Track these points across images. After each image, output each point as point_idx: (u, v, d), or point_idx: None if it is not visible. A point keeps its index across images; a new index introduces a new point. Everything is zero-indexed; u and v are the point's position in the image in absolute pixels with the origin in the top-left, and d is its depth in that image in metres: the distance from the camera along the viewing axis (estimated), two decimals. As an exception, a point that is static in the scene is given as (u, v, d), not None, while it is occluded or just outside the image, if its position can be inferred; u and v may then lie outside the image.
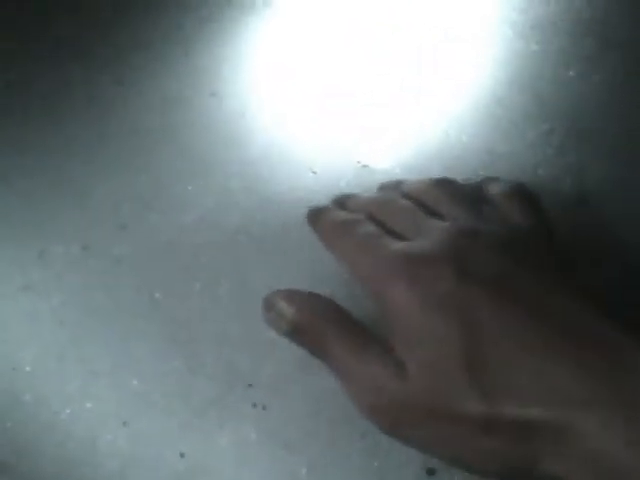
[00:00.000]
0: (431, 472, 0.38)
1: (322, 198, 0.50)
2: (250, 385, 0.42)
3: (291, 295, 0.36)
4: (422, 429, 0.29)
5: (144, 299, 0.46)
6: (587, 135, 0.52)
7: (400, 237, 0.36)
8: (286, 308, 0.35)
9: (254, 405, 0.41)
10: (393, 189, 0.45)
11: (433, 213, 0.38)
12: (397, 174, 0.52)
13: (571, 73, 0.54)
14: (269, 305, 0.36)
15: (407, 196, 0.41)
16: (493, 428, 0.27)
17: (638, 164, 0.50)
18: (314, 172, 0.52)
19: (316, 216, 0.45)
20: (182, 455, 0.40)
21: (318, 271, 0.46)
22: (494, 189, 0.42)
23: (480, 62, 0.56)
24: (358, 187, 0.51)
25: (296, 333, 0.35)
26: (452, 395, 0.28)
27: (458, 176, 0.47)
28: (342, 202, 0.46)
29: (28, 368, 0.45)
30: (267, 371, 0.43)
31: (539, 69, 0.55)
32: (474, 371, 0.27)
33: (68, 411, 0.43)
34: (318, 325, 0.34)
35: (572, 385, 0.26)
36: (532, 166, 0.51)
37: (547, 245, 0.37)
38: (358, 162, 0.52)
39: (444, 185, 0.41)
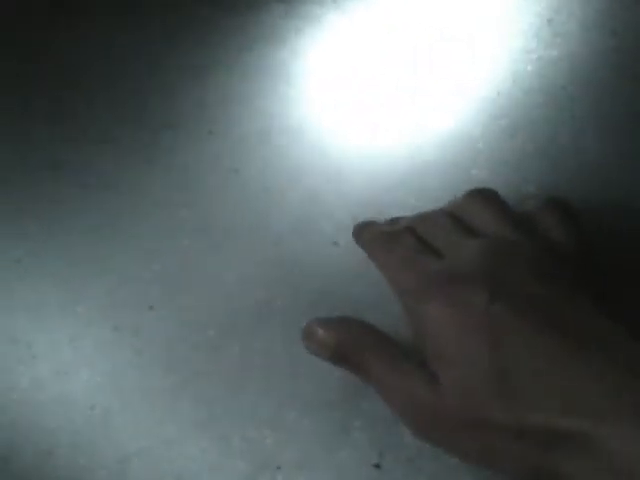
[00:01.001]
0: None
1: (344, 269, 0.51)
2: (279, 467, 0.42)
3: (328, 322, 0.40)
4: (456, 438, 0.32)
5: (173, 379, 0.47)
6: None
7: (439, 253, 0.38)
8: (325, 336, 0.38)
9: (283, 488, 0.41)
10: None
11: (473, 229, 0.40)
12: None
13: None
14: (309, 334, 0.40)
15: (449, 213, 0.42)
16: (522, 436, 0.29)
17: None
18: (336, 243, 0.53)
19: (361, 229, 0.48)
20: (213, 541, 0.41)
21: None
22: (536, 204, 0.42)
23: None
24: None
25: (338, 358, 0.38)
26: (483, 407, 0.30)
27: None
28: (388, 222, 0.48)
29: (61, 452, 0.46)
30: (294, 452, 0.43)
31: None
32: (504, 386, 0.29)
33: (101, 496, 0.44)
34: (357, 348, 0.37)
35: (596, 398, 0.27)
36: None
37: (585, 262, 0.37)
38: (379, 232, 0.53)
39: (486, 200, 0.42)
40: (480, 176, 0.52)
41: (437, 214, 0.42)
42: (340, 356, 0.37)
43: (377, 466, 0.41)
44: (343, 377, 0.45)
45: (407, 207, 0.54)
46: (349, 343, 0.37)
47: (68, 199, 0.58)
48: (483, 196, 0.43)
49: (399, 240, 0.40)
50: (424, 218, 0.42)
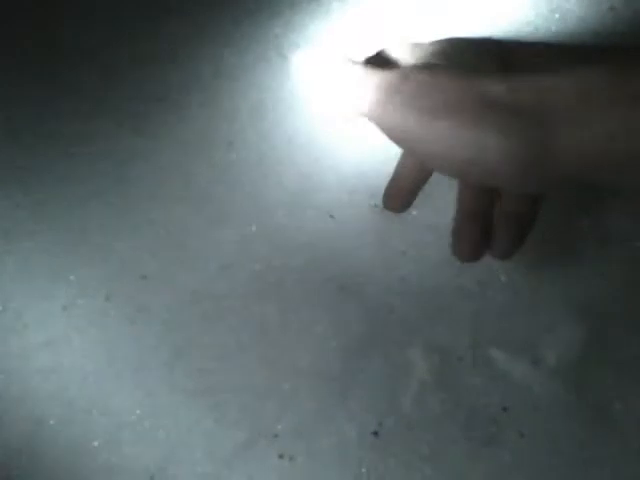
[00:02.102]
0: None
1: (338, 242, 0.51)
2: (276, 435, 0.42)
3: None
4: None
5: (167, 349, 0.47)
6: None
7: None
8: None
9: (280, 456, 0.41)
10: None
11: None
12: (414, 216, 0.52)
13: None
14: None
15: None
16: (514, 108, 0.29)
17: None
18: (332, 216, 0.53)
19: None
20: (210, 508, 0.40)
21: (340, 314, 0.47)
22: None
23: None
24: (374, 231, 0.52)
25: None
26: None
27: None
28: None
29: (53, 422, 0.45)
30: (292, 421, 0.43)
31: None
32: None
33: (94, 466, 0.43)
34: None
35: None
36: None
37: None
38: (374, 205, 0.53)
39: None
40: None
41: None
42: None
43: (375, 434, 0.41)
44: (341, 347, 0.45)
45: (403, 180, 0.54)
46: None
47: (57, 169, 0.57)
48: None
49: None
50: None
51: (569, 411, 0.43)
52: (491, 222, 0.40)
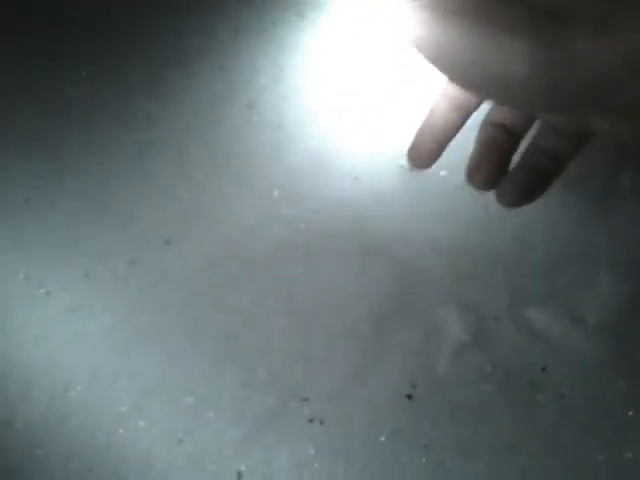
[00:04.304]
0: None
1: (365, 204, 0.50)
2: (305, 399, 0.41)
3: None
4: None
5: (192, 314, 0.45)
6: None
7: None
8: None
9: (311, 420, 0.40)
10: None
11: None
12: (442, 176, 0.50)
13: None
14: None
15: None
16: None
17: None
18: (357, 179, 0.51)
19: None
20: (240, 474, 0.39)
21: (371, 276, 0.45)
22: None
23: None
24: (403, 192, 0.50)
25: None
26: None
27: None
28: None
29: (79, 389, 0.44)
30: (321, 384, 0.41)
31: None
32: None
33: (121, 431, 0.42)
34: None
35: None
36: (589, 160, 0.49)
37: None
38: (401, 166, 0.51)
39: None
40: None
41: None
42: None
43: (409, 397, 0.40)
44: (372, 309, 0.43)
45: (431, 139, 0.52)
46: None
47: (76, 137, 0.56)
48: None
49: None
50: None
51: (611, 370, 0.42)
52: (509, 158, 0.38)
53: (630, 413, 0.40)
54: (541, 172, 0.38)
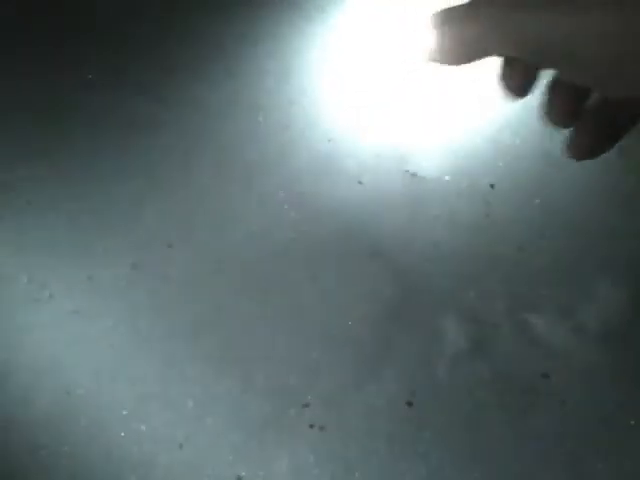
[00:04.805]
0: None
1: (368, 208, 0.49)
2: (305, 405, 0.41)
3: None
4: None
5: (193, 318, 0.46)
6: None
7: None
8: None
9: (311, 426, 0.40)
10: None
11: None
12: (446, 181, 0.50)
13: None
14: None
15: None
16: None
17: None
18: (361, 182, 0.51)
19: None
20: (239, 479, 0.39)
21: (371, 280, 0.45)
22: None
23: None
24: (406, 197, 0.50)
25: None
26: None
27: (511, 181, 0.45)
28: None
29: (81, 391, 0.44)
30: (321, 390, 0.41)
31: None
32: None
33: (123, 434, 0.42)
34: None
35: None
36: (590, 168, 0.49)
37: None
38: (407, 171, 0.51)
39: None
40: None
41: None
42: None
43: (409, 404, 0.40)
44: (372, 314, 0.43)
45: (435, 143, 0.52)
46: None
47: (80, 140, 0.56)
48: None
49: None
50: None
51: (612, 378, 0.41)
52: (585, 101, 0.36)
53: (631, 422, 0.40)
54: (614, 124, 0.36)
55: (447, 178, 0.50)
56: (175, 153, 0.54)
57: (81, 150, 0.55)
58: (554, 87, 0.36)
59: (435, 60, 0.36)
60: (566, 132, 0.50)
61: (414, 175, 0.51)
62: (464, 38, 0.33)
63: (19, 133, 0.57)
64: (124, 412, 0.43)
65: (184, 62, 0.60)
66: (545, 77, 0.34)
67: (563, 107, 0.36)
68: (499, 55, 0.31)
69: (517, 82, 0.35)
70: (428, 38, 0.36)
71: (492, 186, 0.49)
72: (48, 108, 0.57)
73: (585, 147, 0.36)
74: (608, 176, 0.49)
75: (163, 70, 0.59)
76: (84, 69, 0.60)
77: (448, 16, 0.34)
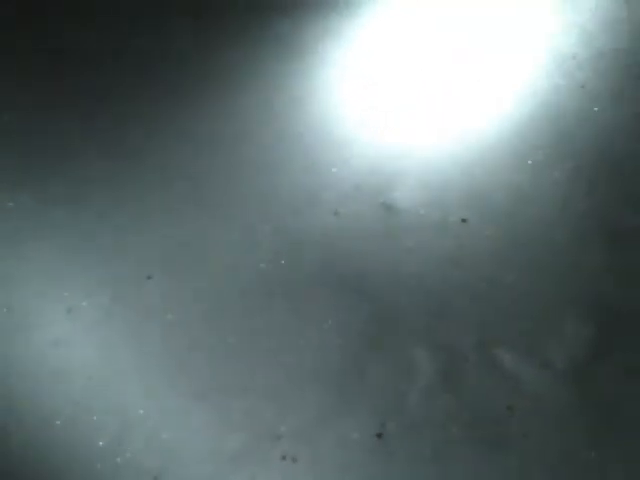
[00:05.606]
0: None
1: (346, 239, 0.51)
2: (279, 437, 0.42)
3: None
4: None
5: (171, 350, 0.46)
6: (614, 171, 0.51)
7: None
8: None
9: (283, 458, 0.41)
10: None
11: None
12: (420, 214, 0.51)
13: (595, 109, 0.54)
14: None
15: None
16: None
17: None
18: (337, 213, 0.52)
19: None
20: (213, 510, 0.40)
21: (345, 312, 0.46)
22: None
23: (503, 98, 0.56)
24: (381, 228, 0.51)
25: None
26: None
27: (483, 215, 0.47)
28: None
29: (58, 422, 0.45)
30: (295, 422, 0.42)
31: (564, 105, 0.54)
32: None
33: (99, 466, 0.43)
34: None
35: None
36: (559, 203, 0.50)
37: None
38: (382, 203, 0.52)
39: None
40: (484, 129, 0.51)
41: None
42: None
43: (379, 435, 0.41)
44: (345, 345, 0.44)
45: (411, 176, 0.53)
46: None
47: (62, 169, 0.57)
48: None
49: None
50: None
51: (575, 412, 0.42)
52: None
53: (592, 454, 0.41)
54: None
55: (422, 211, 0.52)
56: (155, 185, 0.55)
57: (62, 179, 0.56)
58: None
59: None
60: (536, 168, 0.52)
61: (389, 208, 0.52)
62: None
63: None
64: (100, 443, 0.44)
65: (170, 90, 0.61)
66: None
67: None
68: None
69: None
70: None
71: (464, 220, 0.50)
72: (29, 136, 0.58)
73: None
74: (577, 211, 0.50)
75: (150, 100, 0.61)
76: (65, 97, 0.61)
77: None
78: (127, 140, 0.58)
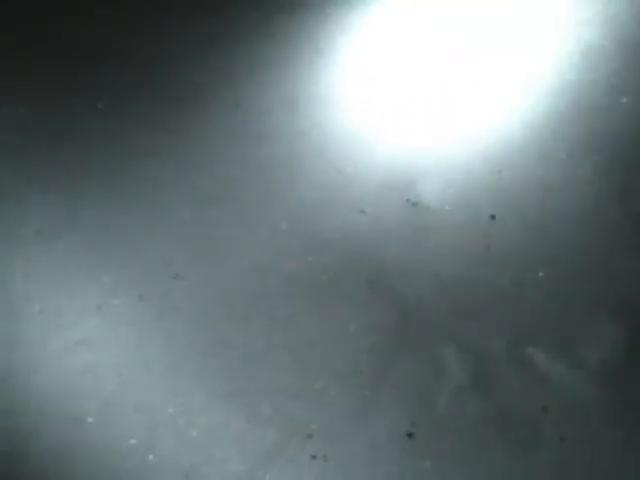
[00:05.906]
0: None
1: (370, 238, 0.51)
2: (309, 436, 0.42)
3: None
4: None
5: (199, 348, 0.47)
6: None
7: None
8: None
9: (314, 457, 0.41)
10: None
11: None
12: (447, 211, 0.51)
13: (624, 100, 0.53)
14: None
15: None
16: None
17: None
18: (363, 211, 0.52)
19: None
20: (244, 509, 0.40)
21: (373, 312, 0.46)
22: None
23: (530, 93, 0.55)
24: (408, 226, 0.51)
25: None
26: None
27: (512, 214, 0.46)
28: None
29: (90, 420, 0.45)
30: (324, 420, 0.42)
31: (592, 98, 0.54)
32: None
33: (130, 463, 0.43)
34: None
35: None
36: (587, 198, 0.50)
37: None
38: (407, 200, 0.52)
39: None
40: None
41: None
42: None
43: (410, 435, 0.41)
44: (373, 345, 0.44)
45: (435, 174, 0.53)
46: None
47: (89, 169, 0.57)
48: None
49: None
50: None
51: (610, 414, 0.42)
52: None
53: (630, 457, 0.40)
54: None
55: (448, 208, 0.51)
56: (180, 185, 0.55)
57: (91, 180, 0.56)
58: None
59: None
60: (566, 165, 0.52)
61: (415, 205, 0.52)
62: None
63: (28, 162, 0.58)
64: (132, 441, 0.44)
65: (192, 92, 0.61)
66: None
67: None
68: None
69: None
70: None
71: (492, 217, 0.49)
72: (53, 136, 0.59)
73: None
74: (608, 209, 0.49)
75: (169, 100, 0.61)
76: (95, 98, 0.61)
77: None
78: (148, 140, 0.58)
